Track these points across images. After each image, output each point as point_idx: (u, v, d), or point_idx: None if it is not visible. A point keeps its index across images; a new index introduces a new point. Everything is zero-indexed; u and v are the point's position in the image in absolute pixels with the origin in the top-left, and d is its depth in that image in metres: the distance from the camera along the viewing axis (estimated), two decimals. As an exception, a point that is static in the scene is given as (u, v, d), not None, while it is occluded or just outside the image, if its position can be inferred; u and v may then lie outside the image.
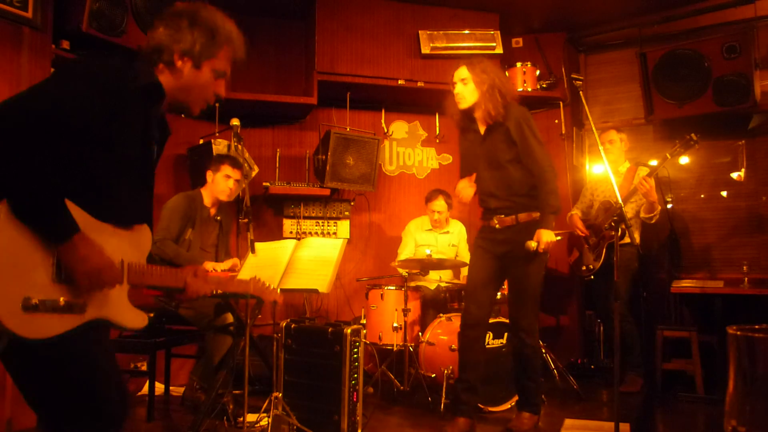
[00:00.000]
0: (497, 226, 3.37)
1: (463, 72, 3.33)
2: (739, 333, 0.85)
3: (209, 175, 3.94)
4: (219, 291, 1.91)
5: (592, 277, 4.49)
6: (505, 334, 3.86)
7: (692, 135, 3.78)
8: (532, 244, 3.18)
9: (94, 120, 1.50)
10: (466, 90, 3.31)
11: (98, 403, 1.56)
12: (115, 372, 1.68)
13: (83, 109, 1.48)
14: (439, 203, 4.66)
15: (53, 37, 3.55)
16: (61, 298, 1.45)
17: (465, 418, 3.33)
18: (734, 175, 4.94)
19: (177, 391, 4.24)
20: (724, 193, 5.00)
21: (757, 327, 0.85)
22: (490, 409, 3.69)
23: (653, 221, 4.26)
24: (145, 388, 4.07)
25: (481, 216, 3.55)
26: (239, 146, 3.21)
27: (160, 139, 1.82)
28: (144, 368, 4.17)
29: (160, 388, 4.01)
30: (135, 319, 1.67)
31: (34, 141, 1.39)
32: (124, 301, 1.64)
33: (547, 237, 3.19)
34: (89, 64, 1.61)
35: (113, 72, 1.59)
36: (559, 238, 3.47)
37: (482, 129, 3.40)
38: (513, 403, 3.74)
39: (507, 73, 5.27)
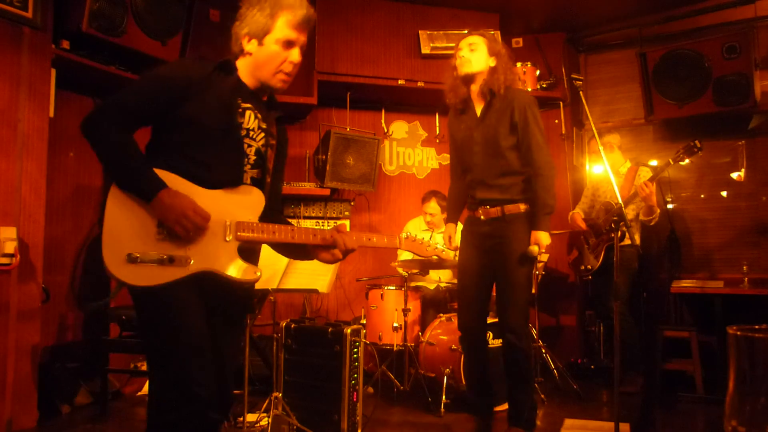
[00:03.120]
0: (482, 217, 3.12)
1: (474, 38, 3.07)
2: (739, 333, 0.85)
3: None
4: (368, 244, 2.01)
5: (591, 277, 4.49)
6: (505, 334, 3.86)
7: (696, 142, 3.73)
8: (535, 249, 2.98)
9: (167, 104, 1.76)
10: (473, 56, 3.03)
11: (181, 370, 1.69)
12: (206, 347, 1.74)
13: (154, 97, 1.77)
14: (433, 205, 4.64)
15: (53, 37, 3.55)
16: (162, 253, 1.69)
17: (480, 417, 3.27)
18: (734, 176, 4.94)
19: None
20: (724, 194, 5.00)
21: (757, 327, 0.85)
22: (494, 408, 3.67)
23: (652, 224, 4.26)
24: (145, 388, 4.07)
25: (467, 205, 3.32)
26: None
27: (266, 112, 1.94)
28: (144, 368, 4.17)
29: (160, 388, 4.01)
30: (245, 271, 1.79)
31: (113, 125, 1.74)
32: (233, 255, 1.78)
33: (546, 240, 3.01)
34: (160, 65, 1.88)
35: (176, 64, 1.89)
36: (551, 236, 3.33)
37: (479, 109, 3.11)
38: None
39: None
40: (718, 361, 4.19)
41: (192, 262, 1.71)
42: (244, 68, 1.88)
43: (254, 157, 1.89)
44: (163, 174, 1.73)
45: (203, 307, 1.76)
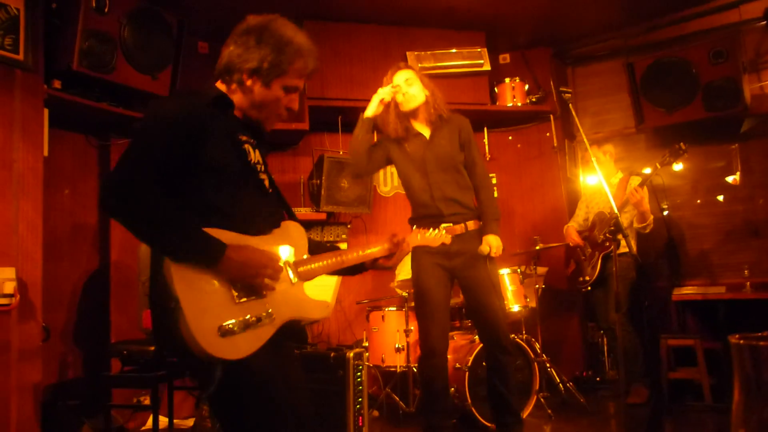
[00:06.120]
0: None
1: (407, 72, 3.27)
2: (742, 342, 0.84)
3: None
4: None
5: (590, 288, 4.48)
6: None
7: (681, 144, 3.78)
8: (485, 249, 3.12)
9: (184, 151, 1.57)
10: (413, 89, 3.23)
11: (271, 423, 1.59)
12: (294, 399, 1.69)
13: (168, 147, 1.56)
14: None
15: (45, 77, 3.58)
16: (248, 315, 1.55)
17: None
18: (729, 179, 4.95)
19: (181, 423, 4.19)
20: (720, 198, 5.00)
21: (760, 335, 0.84)
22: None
23: (647, 231, 4.25)
24: (149, 423, 4.03)
25: (416, 226, 3.20)
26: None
27: (259, 142, 1.83)
28: (147, 402, 4.13)
29: (164, 421, 3.97)
30: (319, 309, 1.76)
31: (144, 192, 1.49)
32: (304, 297, 1.74)
33: (497, 242, 3.17)
34: (156, 106, 1.69)
35: (179, 104, 1.67)
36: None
37: (426, 132, 3.29)
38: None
39: (496, 90, 5.32)
40: (725, 367, 4.16)
41: (275, 316, 1.61)
42: (238, 102, 1.75)
43: (271, 191, 1.83)
44: (210, 231, 1.56)
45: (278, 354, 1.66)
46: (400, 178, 3.43)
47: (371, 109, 3.25)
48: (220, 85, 1.76)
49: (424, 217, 3.27)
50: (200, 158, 1.59)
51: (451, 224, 3.20)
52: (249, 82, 1.70)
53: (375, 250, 1.96)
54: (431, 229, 2.27)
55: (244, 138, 1.76)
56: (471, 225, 3.24)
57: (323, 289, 3.16)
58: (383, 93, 3.24)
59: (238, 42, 1.71)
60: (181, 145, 1.57)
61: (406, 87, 3.23)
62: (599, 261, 4.33)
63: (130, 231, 1.52)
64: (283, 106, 1.77)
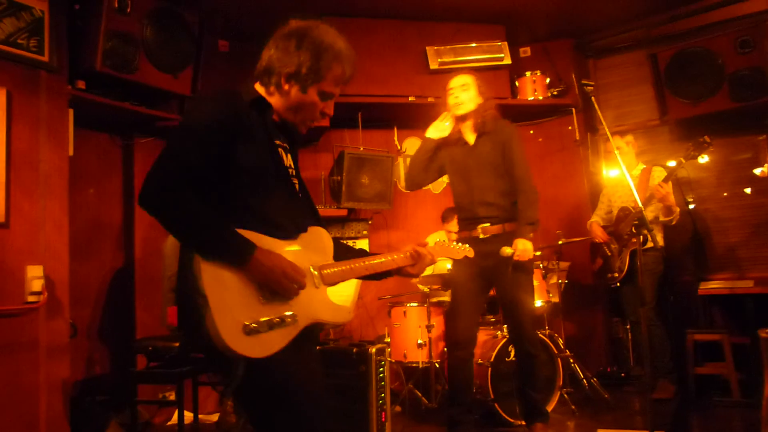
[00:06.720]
0: (481, 236, 3.29)
1: (465, 78, 3.38)
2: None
3: None
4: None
5: (619, 284, 4.42)
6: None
7: (705, 137, 3.72)
8: (507, 250, 3.15)
9: (220, 152, 1.60)
10: (466, 95, 3.33)
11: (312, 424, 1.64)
12: (318, 393, 1.73)
13: (205, 148, 1.59)
14: (455, 223, 4.62)
15: (69, 77, 3.63)
16: (273, 316, 1.59)
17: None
18: (757, 171, 4.83)
19: (206, 419, 4.25)
20: (747, 190, 4.89)
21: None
22: (519, 423, 3.63)
23: (673, 223, 4.19)
24: (175, 417, 4.09)
25: (458, 228, 3.51)
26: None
27: (291, 146, 1.86)
28: (172, 398, 4.19)
29: (189, 416, 4.02)
30: (341, 314, 1.81)
31: (180, 192, 1.53)
32: (327, 301, 1.78)
33: (523, 245, 3.18)
34: (197, 105, 1.72)
35: (218, 105, 1.68)
36: (538, 253, 3.38)
37: (471, 138, 3.40)
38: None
39: (517, 83, 5.27)
40: (753, 362, 4.09)
41: (298, 318, 1.65)
42: (275, 105, 1.77)
43: (300, 195, 1.85)
44: (241, 232, 1.59)
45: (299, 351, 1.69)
46: (449, 181, 3.55)
47: (434, 131, 3.44)
48: (259, 87, 1.78)
49: (464, 219, 3.44)
50: (236, 160, 1.62)
51: (489, 224, 3.31)
52: (286, 86, 1.73)
53: (399, 257, 1.97)
54: (455, 242, 2.32)
55: (279, 142, 1.79)
56: (509, 227, 3.30)
57: (344, 288, 3.17)
58: (443, 116, 3.43)
59: (278, 45, 1.73)
60: (218, 147, 1.60)
61: (459, 91, 3.35)
62: (627, 256, 4.27)
63: (164, 228, 1.56)
64: (318, 111, 1.78)
